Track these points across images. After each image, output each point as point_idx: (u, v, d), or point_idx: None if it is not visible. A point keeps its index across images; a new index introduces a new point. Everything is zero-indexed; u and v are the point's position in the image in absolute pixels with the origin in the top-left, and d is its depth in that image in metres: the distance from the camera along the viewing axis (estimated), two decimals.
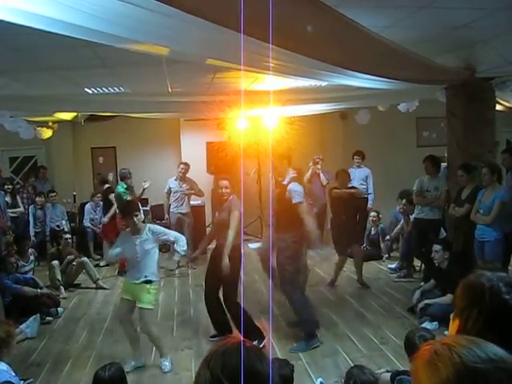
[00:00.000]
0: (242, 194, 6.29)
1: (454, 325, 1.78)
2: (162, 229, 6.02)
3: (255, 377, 1.28)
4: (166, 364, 5.74)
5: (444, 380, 1.20)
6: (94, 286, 8.79)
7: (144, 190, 9.96)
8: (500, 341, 1.32)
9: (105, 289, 8.71)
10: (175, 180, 10.10)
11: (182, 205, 10.05)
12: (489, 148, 7.29)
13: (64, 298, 8.25)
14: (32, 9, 2.25)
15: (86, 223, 11.00)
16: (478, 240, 6.79)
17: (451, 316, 1.84)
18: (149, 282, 5.63)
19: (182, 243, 5.88)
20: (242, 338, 1.37)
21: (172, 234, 6.04)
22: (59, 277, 8.48)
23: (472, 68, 6.66)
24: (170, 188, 10.06)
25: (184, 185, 10.05)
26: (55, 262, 8.54)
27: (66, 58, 5.80)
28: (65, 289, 8.54)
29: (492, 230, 6.64)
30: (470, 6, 4.60)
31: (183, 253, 6.05)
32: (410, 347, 3.70)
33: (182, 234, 9.76)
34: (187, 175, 10.23)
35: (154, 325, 6.01)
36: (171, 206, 10.11)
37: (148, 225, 5.94)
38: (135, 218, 5.66)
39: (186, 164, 10.22)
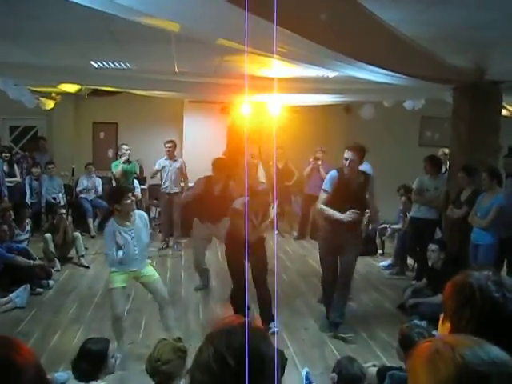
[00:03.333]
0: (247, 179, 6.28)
1: (444, 327, 1.76)
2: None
3: (259, 358, 1.27)
4: None
5: (443, 380, 1.17)
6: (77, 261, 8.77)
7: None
8: (494, 340, 1.30)
9: (85, 267, 8.63)
10: (166, 159, 9.99)
11: (170, 185, 9.97)
12: (492, 152, 7.27)
13: (58, 271, 8.27)
14: None
15: (79, 188, 11.03)
16: (472, 243, 6.79)
17: (440, 318, 1.82)
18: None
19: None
20: (246, 319, 1.36)
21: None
22: (53, 249, 8.48)
23: (482, 69, 6.62)
24: (162, 167, 9.96)
25: (174, 164, 9.96)
26: (48, 235, 8.51)
27: (75, 29, 5.73)
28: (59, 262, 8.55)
29: (487, 234, 6.63)
30: (485, 6, 4.55)
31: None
32: (407, 343, 3.65)
33: (171, 214, 9.85)
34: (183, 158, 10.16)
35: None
36: (161, 186, 10.07)
37: (137, 211, 5.52)
38: (124, 203, 5.22)
39: (171, 142, 10.07)
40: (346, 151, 5.95)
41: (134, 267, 5.40)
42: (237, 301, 6.27)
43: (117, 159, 10.48)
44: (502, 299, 1.68)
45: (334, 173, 6.15)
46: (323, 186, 6.20)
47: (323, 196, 6.14)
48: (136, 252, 5.34)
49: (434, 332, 4.42)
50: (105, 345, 3.84)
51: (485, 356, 1.18)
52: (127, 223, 5.31)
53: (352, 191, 6.00)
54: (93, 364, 3.64)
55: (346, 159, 5.93)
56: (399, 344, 3.83)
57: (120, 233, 5.24)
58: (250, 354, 1.23)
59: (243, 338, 1.25)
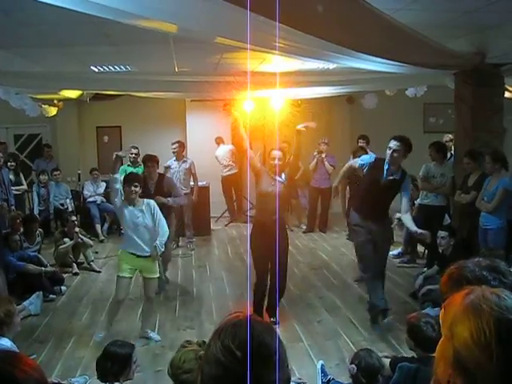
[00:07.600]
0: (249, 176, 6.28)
1: None
2: (158, 211, 5.85)
3: (265, 349, 1.29)
4: (154, 335, 5.91)
5: (484, 323, 1.16)
6: (88, 266, 8.80)
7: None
8: None
9: (97, 271, 8.65)
10: (174, 160, 9.92)
11: (179, 185, 9.85)
12: (496, 135, 7.24)
13: (77, 274, 8.41)
14: None
15: (87, 193, 11.09)
16: (481, 227, 6.76)
17: (441, 313, 1.81)
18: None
19: (163, 238, 5.75)
20: (251, 313, 1.38)
21: (161, 225, 5.79)
22: (71, 254, 8.57)
23: (482, 53, 6.60)
24: (170, 168, 9.83)
25: (183, 164, 9.88)
26: (67, 240, 8.55)
27: (72, 35, 5.75)
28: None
29: (495, 218, 6.61)
30: None
31: (159, 246, 5.71)
32: (416, 333, 3.68)
33: (182, 214, 9.84)
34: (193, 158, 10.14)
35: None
36: None
37: (146, 200, 5.86)
38: (133, 188, 5.64)
39: (176, 142, 9.97)
40: (392, 141, 6.02)
41: (145, 252, 5.71)
42: None
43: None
44: (501, 286, 1.68)
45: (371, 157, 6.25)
46: (359, 162, 6.34)
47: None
48: (143, 233, 5.70)
49: None
50: (130, 349, 3.88)
51: None
52: (133, 206, 5.74)
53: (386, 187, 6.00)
54: (117, 366, 3.68)
55: (390, 148, 5.97)
56: (408, 334, 3.84)
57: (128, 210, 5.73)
58: (255, 346, 1.25)
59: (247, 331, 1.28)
